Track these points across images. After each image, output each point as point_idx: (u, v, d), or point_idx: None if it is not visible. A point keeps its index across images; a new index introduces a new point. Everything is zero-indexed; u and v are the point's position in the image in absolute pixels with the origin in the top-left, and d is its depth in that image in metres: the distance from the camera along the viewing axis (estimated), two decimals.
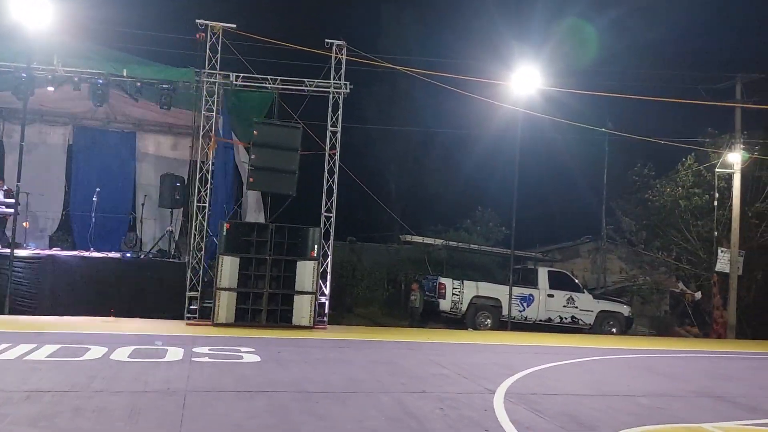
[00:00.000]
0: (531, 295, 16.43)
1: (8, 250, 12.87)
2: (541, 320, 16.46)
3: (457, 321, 16.06)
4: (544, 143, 23.16)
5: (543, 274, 16.89)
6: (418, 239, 18.34)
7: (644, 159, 21.50)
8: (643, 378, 9.72)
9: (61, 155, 16.66)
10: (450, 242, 18.63)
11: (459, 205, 23.34)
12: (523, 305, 16.30)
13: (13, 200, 13.99)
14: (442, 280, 16.06)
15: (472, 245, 19.11)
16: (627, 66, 23.58)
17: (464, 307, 15.86)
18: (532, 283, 16.76)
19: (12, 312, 12.29)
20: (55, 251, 14.22)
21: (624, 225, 22.47)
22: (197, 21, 13.51)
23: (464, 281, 16.16)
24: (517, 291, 16.30)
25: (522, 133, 17.01)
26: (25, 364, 7.60)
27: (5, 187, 14.71)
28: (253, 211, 15.26)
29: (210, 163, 13.66)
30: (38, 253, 13.64)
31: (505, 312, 16.07)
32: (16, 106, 14.58)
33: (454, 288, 15.87)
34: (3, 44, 12.89)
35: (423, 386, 7.63)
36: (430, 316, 16.35)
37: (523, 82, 15.74)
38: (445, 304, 15.79)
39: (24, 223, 14.47)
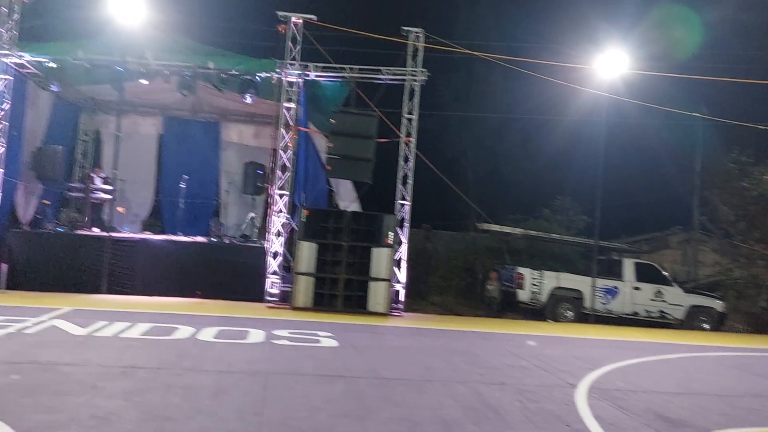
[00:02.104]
0: (616, 287, 15.85)
1: (105, 234, 13.71)
2: (626, 314, 15.83)
3: (536, 312, 15.72)
4: (630, 129, 22.12)
5: (629, 265, 16.22)
6: (496, 228, 18.03)
7: (742, 145, 20.13)
8: (737, 377, 9.17)
9: (152, 144, 17.54)
10: (529, 231, 18.22)
11: (538, 193, 22.72)
12: (607, 298, 15.75)
13: (110, 187, 14.89)
14: (521, 270, 15.75)
15: (552, 235, 18.60)
16: (725, 46, 22.09)
17: (544, 298, 15.51)
18: (617, 275, 16.14)
19: (108, 291, 13.09)
20: (146, 235, 15.02)
21: (721, 215, 21.17)
22: (278, 13, 13.80)
23: (544, 271, 15.78)
24: (601, 283, 15.76)
25: (606, 119, 16.35)
26: (120, 342, 8.07)
27: (103, 175, 15.66)
28: (342, 199, 15.31)
29: (290, 151, 14.00)
30: (132, 237, 14.45)
31: (587, 304, 15.59)
32: (112, 98, 15.44)
33: (533, 278, 15.53)
34: (100, 40, 13.66)
35: (501, 378, 7.51)
36: (508, 307, 16.09)
37: (609, 66, 15.07)
38: (523, 295, 15.48)
39: (119, 209, 15.33)
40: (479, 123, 25.83)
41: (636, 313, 15.87)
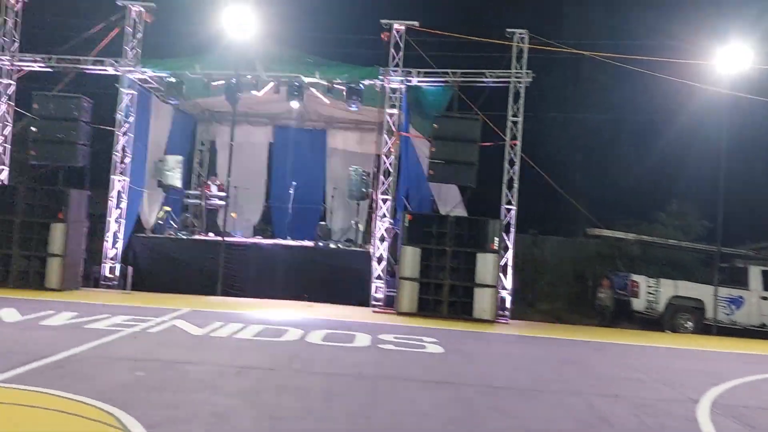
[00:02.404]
0: (741, 297, 14.66)
1: (220, 239, 14.46)
2: (753, 326, 14.59)
3: (652, 322, 14.83)
4: (756, 128, 20.41)
5: (756, 273, 14.94)
6: (608, 233, 17.21)
7: None
8: None
9: (263, 153, 18.36)
10: (644, 237, 17.23)
11: (652, 197, 21.49)
12: (731, 308, 14.59)
13: (224, 194, 15.71)
14: (635, 277, 14.93)
15: (669, 240, 17.50)
16: None
17: (661, 308, 14.61)
18: (742, 283, 14.91)
19: (222, 293, 13.77)
20: (257, 239, 15.69)
21: None
22: (381, 21, 13.99)
23: (661, 279, 14.88)
24: (724, 292, 14.62)
25: (729, 117, 15.14)
26: (234, 343, 8.45)
27: (218, 182, 16.55)
28: (446, 204, 15.21)
29: (393, 156, 14.12)
30: (244, 241, 15.15)
31: (709, 315, 14.52)
32: (226, 109, 16.30)
33: (648, 286, 14.68)
34: (214, 55, 14.46)
35: (615, 390, 7.14)
36: (622, 316, 15.31)
37: (731, 61, 13.94)
38: (638, 304, 14.67)
39: (232, 214, 16.12)
40: (588, 124, 24.86)
41: (764, 325, 14.60)
